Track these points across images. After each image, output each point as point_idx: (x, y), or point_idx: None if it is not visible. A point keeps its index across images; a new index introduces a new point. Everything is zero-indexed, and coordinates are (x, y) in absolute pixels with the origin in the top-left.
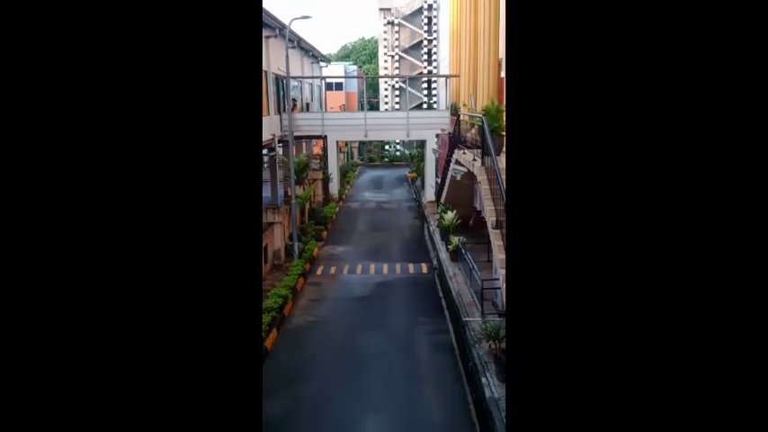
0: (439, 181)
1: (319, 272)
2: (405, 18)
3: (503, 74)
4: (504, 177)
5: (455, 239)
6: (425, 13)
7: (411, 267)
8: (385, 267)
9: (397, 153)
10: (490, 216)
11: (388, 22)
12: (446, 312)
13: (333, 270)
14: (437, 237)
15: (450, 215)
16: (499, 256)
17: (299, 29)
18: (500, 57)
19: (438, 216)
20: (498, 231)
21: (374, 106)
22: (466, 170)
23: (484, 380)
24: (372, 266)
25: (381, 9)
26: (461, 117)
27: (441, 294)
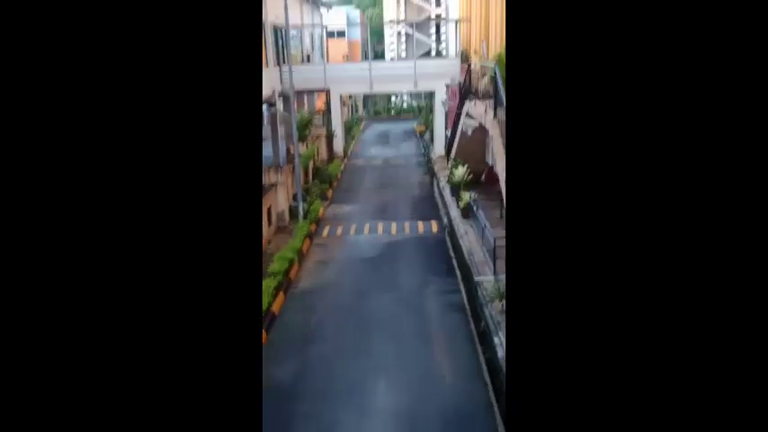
0: (449, 134)
1: (325, 233)
2: None
3: None
4: None
5: (466, 196)
6: None
7: (421, 226)
8: (393, 227)
9: (405, 105)
10: (503, 171)
11: None
12: (457, 272)
13: (339, 231)
14: (447, 193)
15: (460, 170)
16: None
17: None
18: None
19: (448, 172)
20: None
21: (379, 55)
22: (477, 123)
23: (496, 339)
24: (380, 226)
25: None
26: (472, 66)
27: (452, 253)
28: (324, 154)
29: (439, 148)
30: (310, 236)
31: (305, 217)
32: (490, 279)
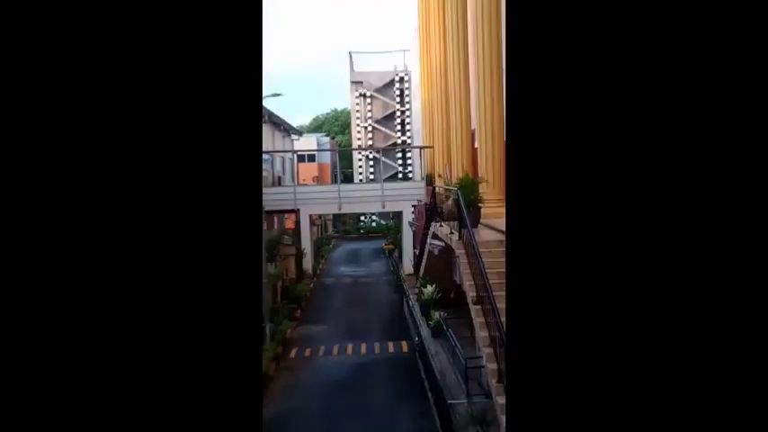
0: (417, 253)
1: (293, 355)
2: (377, 90)
3: (476, 144)
4: (480, 251)
5: (436, 315)
6: (397, 85)
7: (391, 346)
8: (363, 347)
9: (374, 224)
10: (470, 291)
11: (360, 95)
12: (429, 394)
13: (308, 352)
14: (417, 312)
15: (429, 289)
16: (481, 333)
17: (270, 103)
18: (472, 127)
19: (417, 290)
20: (479, 307)
21: (348, 177)
22: (443, 244)
23: None
24: (350, 347)
25: (353, 82)
26: (437, 189)
27: (423, 375)
28: (293, 273)
29: (407, 266)
30: (277, 359)
31: (272, 339)
32: (463, 402)
